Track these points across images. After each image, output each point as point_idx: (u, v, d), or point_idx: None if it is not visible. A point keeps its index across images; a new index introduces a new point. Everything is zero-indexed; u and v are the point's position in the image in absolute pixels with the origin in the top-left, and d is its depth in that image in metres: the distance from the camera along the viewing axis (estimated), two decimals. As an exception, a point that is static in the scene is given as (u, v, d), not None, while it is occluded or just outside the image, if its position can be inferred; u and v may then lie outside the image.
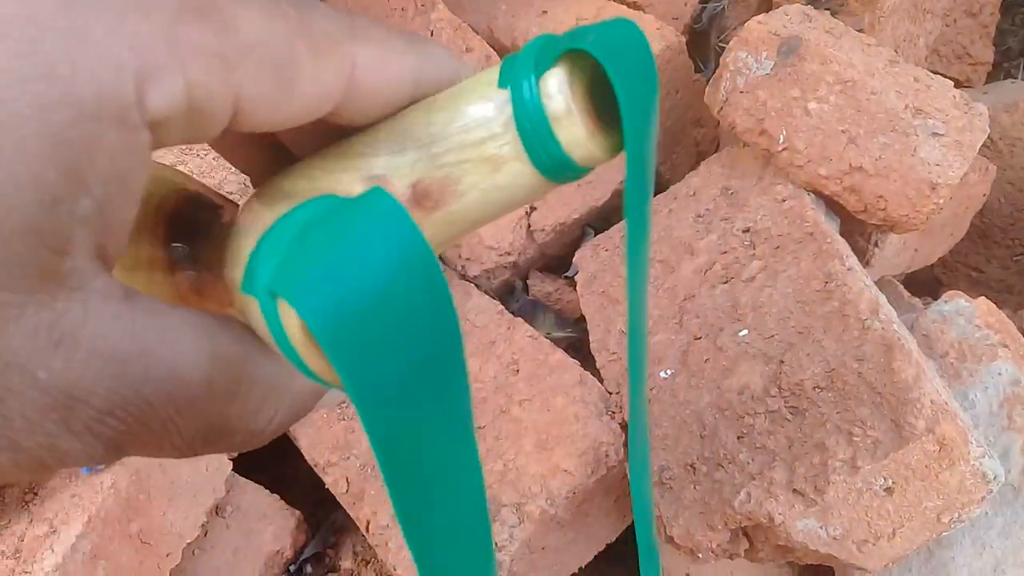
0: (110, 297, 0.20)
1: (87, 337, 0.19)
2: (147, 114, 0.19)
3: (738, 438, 0.70)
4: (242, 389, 0.22)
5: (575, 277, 0.97)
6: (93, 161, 0.18)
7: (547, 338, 0.90)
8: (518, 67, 0.24)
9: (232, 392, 0.22)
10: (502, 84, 0.24)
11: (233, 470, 0.84)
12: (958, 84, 0.92)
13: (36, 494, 0.75)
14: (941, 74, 1.17)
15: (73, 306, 0.19)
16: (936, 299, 1.19)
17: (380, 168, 0.24)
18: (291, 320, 0.20)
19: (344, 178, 0.24)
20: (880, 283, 0.99)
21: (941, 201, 0.80)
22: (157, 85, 0.19)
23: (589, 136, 0.24)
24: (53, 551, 0.70)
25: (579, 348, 0.96)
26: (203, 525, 0.81)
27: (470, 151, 0.24)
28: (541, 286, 1.02)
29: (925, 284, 1.28)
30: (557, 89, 0.24)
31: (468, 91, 0.25)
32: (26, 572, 0.70)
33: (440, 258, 1.02)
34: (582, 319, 0.97)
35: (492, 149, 0.24)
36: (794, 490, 0.67)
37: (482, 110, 0.24)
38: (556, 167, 0.24)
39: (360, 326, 0.19)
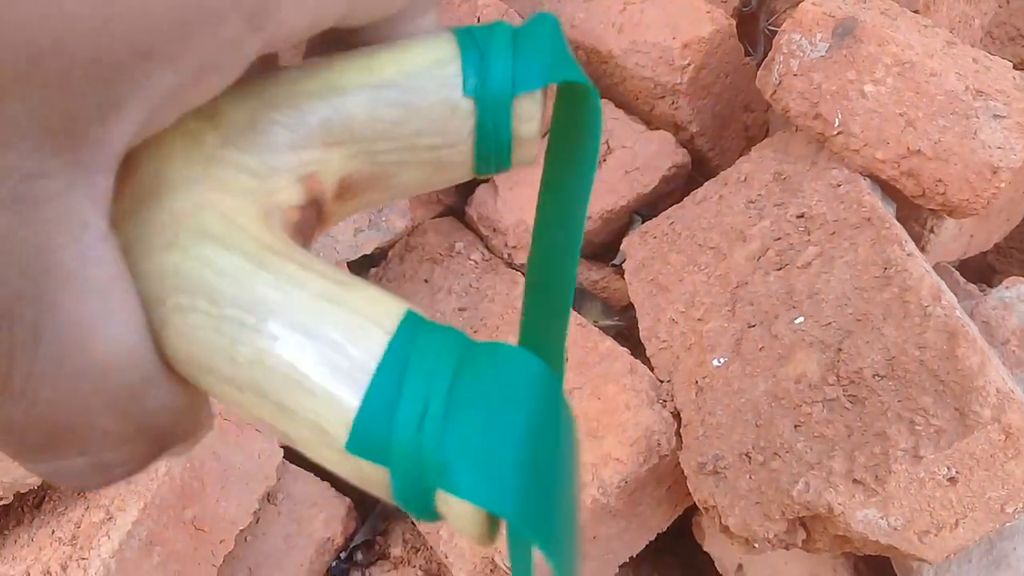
0: (93, 213, 0.17)
1: (32, 233, 0.16)
2: (273, 26, 0.18)
3: (795, 427, 0.69)
4: (120, 406, 0.18)
5: (622, 265, 0.96)
6: (202, 42, 0.17)
7: (594, 326, 0.90)
8: (493, 80, 0.22)
9: (111, 405, 0.18)
10: (469, 91, 0.22)
11: (284, 458, 0.84)
12: (1013, 66, 0.90)
13: (92, 480, 0.75)
14: (994, 54, 1.14)
15: (56, 184, 0.16)
16: (990, 286, 1.17)
17: (311, 163, 0.21)
18: (464, 508, 0.17)
19: (280, 182, 0.20)
20: (935, 269, 0.97)
21: (1003, 185, 0.78)
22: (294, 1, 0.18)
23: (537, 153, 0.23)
24: (110, 537, 0.71)
25: (627, 337, 0.95)
26: (255, 512, 0.81)
27: (419, 154, 0.22)
28: (588, 274, 1.01)
29: (978, 271, 1.26)
30: (533, 115, 0.23)
31: (426, 89, 0.22)
32: (83, 558, 0.71)
33: (487, 246, 1.02)
34: (629, 307, 0.96)
35: (443, 156, 0.23)
36: (854, 480, 0.65)
37: (443, 119, 0.22)
38: (491, 172, 0.23)
39: (532, 494, 0.17)
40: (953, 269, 1.00)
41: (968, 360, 0.65)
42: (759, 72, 0.90)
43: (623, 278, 0.97)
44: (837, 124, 0.82)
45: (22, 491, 0.74)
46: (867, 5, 0.88)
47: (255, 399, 0.18)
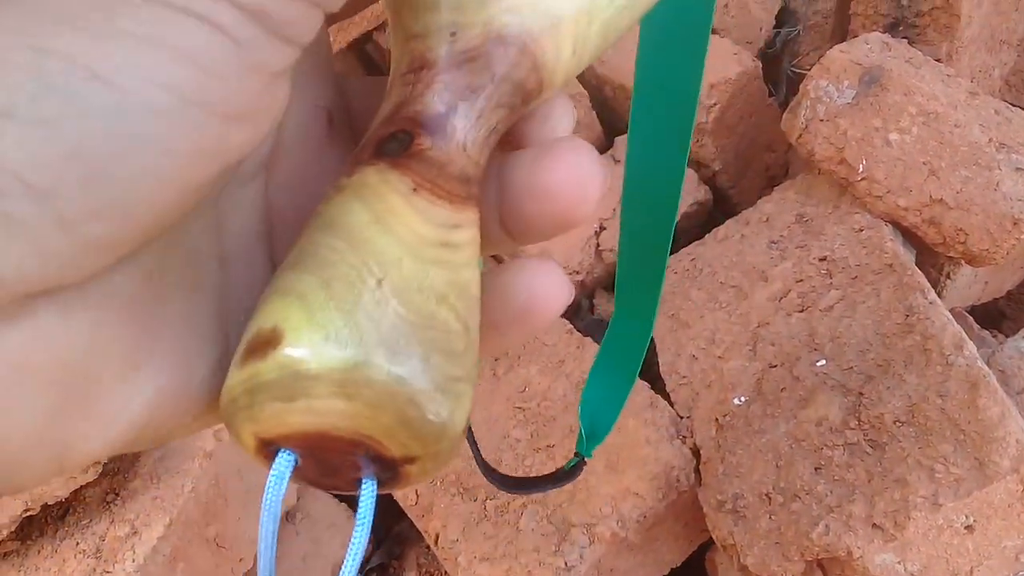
0: None
1: None
2: None
3: (816, 470, 0.70)
4: None
5: (642, 298, 0.97)
6: None
7: (615, 358, 0.91)
8: None
9: None
10: None
11: (304, 478, 0.85)
12: (1028, 114, 0.92)
13: (118, 495, 0.76)
14: (1010, 103, 1.16)
15: None
16: (1001, 331, 1.18)
17: None
18: None
19: None
20: (950, 315, 0.99)
21: (1023, 236, 0.79)
22: None
23: None
24: (135, 552, 0.71)
25: (645, 368, 0.96)
26: (274, 531, 0.82)
27: None
28: (607, 305, 1.03)
29: (988, 316, 1.27)
30: None
31: None
32: (107, 572, 0.72)
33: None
34: (647, 340, 0.97)
35: None
36: (874, 524, 0.66)
37: None
38: None
39: None
40: (967, 315, 1.01)
41: (989, 411, 0.66)
42: (784, 115, 0.91)
43: (641, 311, 0.98)
44: (861, 170, 0.84)
45: (48, 502, 0.74)
46: (892, 53, 0.90)
47: None
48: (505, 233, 0.22)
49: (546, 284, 0.22)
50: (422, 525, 0.83)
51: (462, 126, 0.20)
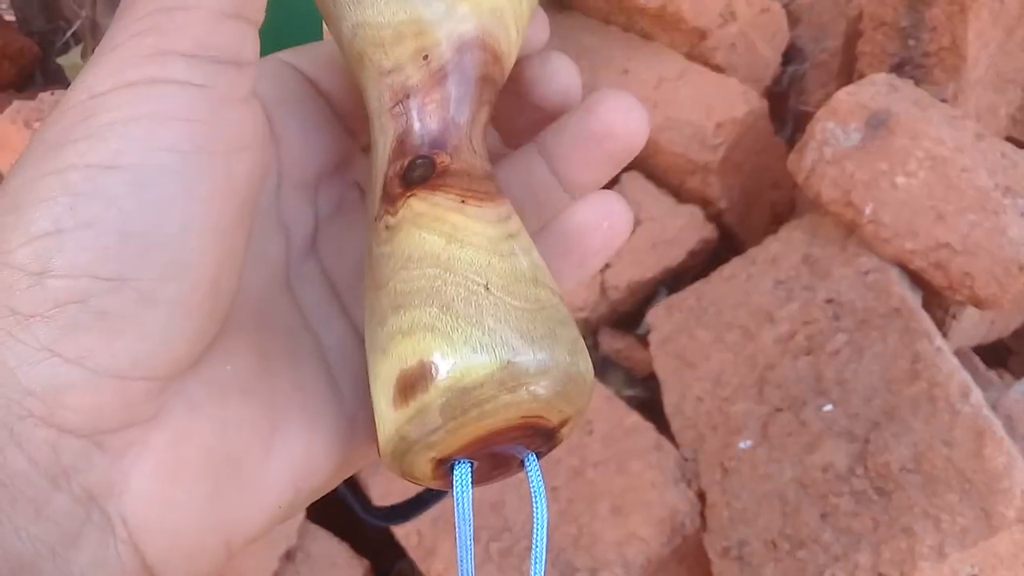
0: None
1: None
2: None
3: (822, 517, 0.70)
4: None
5: (647, 335, 0.97)
6: None
7: (617, 396, 0.91)
8: None
9: None
10: None
11: (306, 517, 0.85)
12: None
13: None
14: (1016, 139, 1.16)
15: None
16: (1006, 367, 1.17)
17: None
18: None
19: None
20: (956, 354, 0.98)
21: (1030, 282, 0.79)
22: None
23: None
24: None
25: (649, 407, 0.96)
26: (275, 571, 0.82)
27: None
28: (611, 343, 1.02)
29: (993, 351, 1.27)
30: None
31: None
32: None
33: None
34: (651, 377, 0.97)
35: None
36: (880, 574, 0.66)
37: None
38: None
39: None
40: (973, 355, 1.01)
41: (995, 461, 0.66)
42: (791, 156, 0.91)
43: (646, 348, 0.98)
44: (868, 213, 0.84)
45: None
46: (899, 95, 0.90)
47: None
48: (565, 190, 0.25)
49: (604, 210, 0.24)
50: (424, 567, 0.82)
51: (465, 132, 0.22)
